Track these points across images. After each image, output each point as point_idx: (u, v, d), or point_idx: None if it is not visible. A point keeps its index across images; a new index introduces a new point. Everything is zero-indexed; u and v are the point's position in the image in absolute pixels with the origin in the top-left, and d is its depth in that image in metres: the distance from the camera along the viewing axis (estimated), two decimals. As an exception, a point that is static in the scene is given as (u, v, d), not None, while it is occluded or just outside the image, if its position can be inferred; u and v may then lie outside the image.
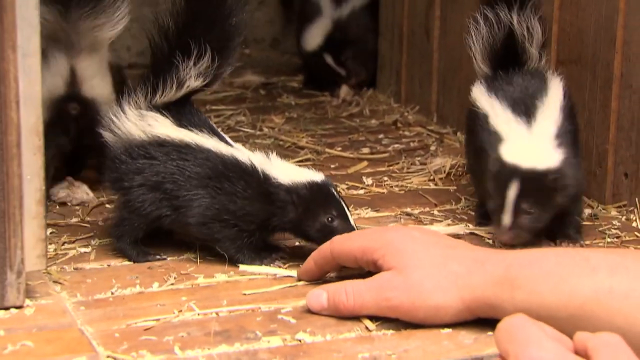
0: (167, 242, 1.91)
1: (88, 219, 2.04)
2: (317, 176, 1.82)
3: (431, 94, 2.82)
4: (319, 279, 1.74)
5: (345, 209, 1.81)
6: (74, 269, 1.79)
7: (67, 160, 2.23)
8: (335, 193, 1.82)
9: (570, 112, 1.95)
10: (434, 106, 2.82)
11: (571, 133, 1.91)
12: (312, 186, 1.80)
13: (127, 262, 1.83)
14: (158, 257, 1.84)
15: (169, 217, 1.83)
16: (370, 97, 3.07)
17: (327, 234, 1.77)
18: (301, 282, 1.74)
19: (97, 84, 2.15)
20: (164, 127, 1.83)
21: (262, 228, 1.82)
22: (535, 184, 1.81)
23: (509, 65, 2.01)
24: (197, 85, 1.85)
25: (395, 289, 1.56)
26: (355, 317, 1.59)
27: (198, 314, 1.61)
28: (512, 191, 1.81)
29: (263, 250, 1.83)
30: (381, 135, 2.70)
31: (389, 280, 1.57)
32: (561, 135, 1.87)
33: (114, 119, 1.86)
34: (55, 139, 2.06)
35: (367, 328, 1.56)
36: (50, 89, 2.07)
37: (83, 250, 1.88)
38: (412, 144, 2.63)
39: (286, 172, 1.81)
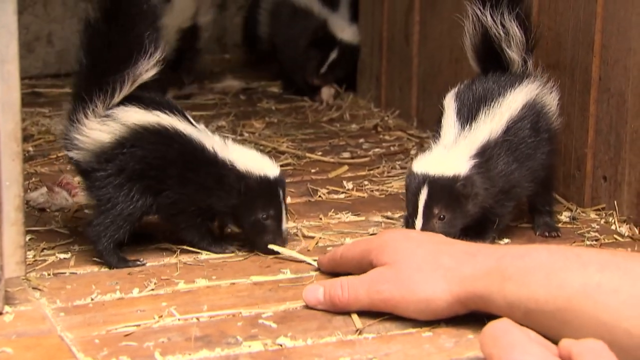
0: (146, 248, 1.90)
1: (68, 225, 2.03)
2: (272, 171, 1.88)
3: (411, 99, 2.83)
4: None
5: (283, 212, 1.88)
6: (54, 275, 1.78)
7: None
8: (281, 193, 1.88)
9: (524, 123, 1.94)
10: (414, 110, 2.82)
11: (509, 144, 1.91)
12: (262, 180, 1.86)
13: (106, 268, 1.82)
14: (138, 262, 1.84)
15: (153, 206, 1.85)
16: (351, 101, 3.08)
17: (259, 230, 1.86)
18: (282, 286, 1.75)
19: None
20: (136, 114, 1.83)
21: (209, 212, 1.89)
22: (444, 189, 1.84)
23: (494, 68, 2.02)
24: (149, 77, 1.84)
25: (387, 282, 1.57)
26: (339, 319, 1.60)
27: (178, 320, 1.60)
28: (423, 196, 1.84)
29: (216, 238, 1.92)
30: (362, 140, 2.71)
31: (381, 273, 1.60)
32: (490, 146, 1.89)
33: (77, 136, 1.82)
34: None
35: (355, 328, 1.57)
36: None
37: (62, 256, 1.87)
38: (392, 148, 2.63)
39: (244, 159, 1.87)
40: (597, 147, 2.13)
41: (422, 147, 2.62)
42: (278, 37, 3.26)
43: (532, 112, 1.96)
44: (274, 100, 3.13)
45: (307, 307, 1.65)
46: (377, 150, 2.61)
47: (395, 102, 2.92)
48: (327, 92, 3.11)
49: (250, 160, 1.88)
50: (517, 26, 1.98)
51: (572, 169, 2.19)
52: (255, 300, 1.68)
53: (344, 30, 3.11)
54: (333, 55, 3.10)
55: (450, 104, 1.98)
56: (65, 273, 1.80)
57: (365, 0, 3.08)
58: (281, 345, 1.52)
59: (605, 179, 2.11)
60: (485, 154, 1.88)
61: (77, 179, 2.27)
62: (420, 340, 1.54)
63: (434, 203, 1.84)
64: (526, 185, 1.96)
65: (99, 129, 1.82)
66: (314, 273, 1.80)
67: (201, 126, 1.90)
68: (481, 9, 2.00)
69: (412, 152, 2.59)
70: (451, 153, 1.88)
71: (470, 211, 1.88)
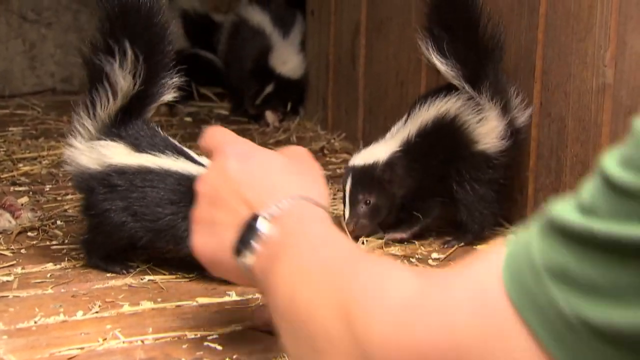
0: (91, 270, 1.89)
1: (11, 247, 2.01)
2: None
3: (357, 121, 2.86)
4: None
5: None
6: (-4, 297, 1.77)
7: None
8: None
9: (435, 130, 2.08)
10: (360, 133, 2.85)
11: (420, 144, 2.08)
12: None
13: (50, 291, 1.80)
14: (129, 269, 1.87)
15: (142, 239, 1.85)
16: (297, 124, 3.10)
17: None
18: (227, 308, 1.75)
19: None
20: (119, 155, 1.83)
21: None
22: (366, 176, 2.06)
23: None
24: (129, 88, 1.83)
25: None
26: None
27: (123, 342, 1.59)
28: (348, 185, 2.07)
29: None
30: (308, 162, 2.72)
31: None
32: (409, 142, 2.08)
33: (68, 152, 1.87)
34: None
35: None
36: None
37: (5, 278, 1.85)
38: (338, 171, 2.65)
39: None
40: (538, 170, 2.17)
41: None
42: (230, 55, 3.27)
43: (445, 124, 2.08)
44: (221, 122, 3.13)
45: (253, 329, 1.66)
46: (323, 172, 2.62)
47: (342, 125, 2.94)
48: (271, 116, 3.12)
49: None
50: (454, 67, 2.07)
51: (515, 192, 2.23)
52: (200, 323, 1.68)
53: (286, 64, 3.12)
54: (268, 89, 3.12)
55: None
56: (8, 296, 1.77)
57: (312, 23, 3.11)
58: (226, 368, 1.52)
59: (546, 202, 2.15)
60: (406, 147, 2.08)
61: (21, 200, 2.26)
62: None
63: (358, 190, 2.06)
64: (440, 192, 2.10)
65: (85, 154, 1.85)
66: (259, 295, 1.80)
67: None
68: (427, 50, 2.08)
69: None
70: (380, 147, 2.10)
71: (397, 194, 2.07)
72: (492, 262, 0.94)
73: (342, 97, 2.95)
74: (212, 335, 1.63)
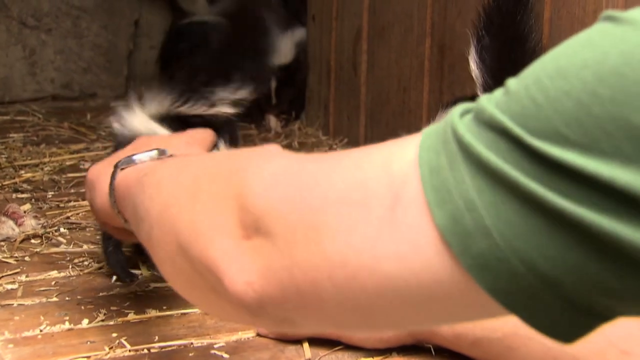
0: (95, 277, 1.88)
1: (14, 254, 2.00)
2: None
3: (359, 127, 2.85)
4: None
5: None
6: (1, 306, 1.75)
7: None
8: None
9: None
10: (362, 139, 2.84)
11: None
12: None
13: (55, 299, 1.79)
14: (133, 277, 1.85)
15: None
16: (299, 130, 3.09)
17: None
18: (233, 317, 1.74)
19: None
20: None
21: None
22: None
23: None
24: (224, 113, 1.81)
25: None
26: (292, 349, 1.59)
27: (129, 351, 1.59)
28: None
29: None
30: (310, 168, 2.71)
31: None
32: None
33: (124, 114, 1.80)
34: None
35: (306, 359, 1.57)
36: None
37: (10, 287, 1.84)
38: (341, 177, 2.64)
39: None
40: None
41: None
42: None
43: None
44: (222, 128, 3.13)
45: (260, 336, 1.65)
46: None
47: (344, 131, 2.94)
48: (273, 122, 3.12)
49: None
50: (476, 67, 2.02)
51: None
52: (206, 331, 1.67)
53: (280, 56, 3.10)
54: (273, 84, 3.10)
55: None
56: (13, 304, 1.76)
57: (313, 29, 3.11)
58: (234, 376, 1.52)
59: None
60: None
61: (23, 207, 2.25)
62: (373, 369, 1.55)
63: None
64: None
65: (140, 122, 1.79)
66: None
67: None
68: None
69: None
70: None
71: None
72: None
73: (343, 103, 2.94)
74: (218, 343, 1.63)
